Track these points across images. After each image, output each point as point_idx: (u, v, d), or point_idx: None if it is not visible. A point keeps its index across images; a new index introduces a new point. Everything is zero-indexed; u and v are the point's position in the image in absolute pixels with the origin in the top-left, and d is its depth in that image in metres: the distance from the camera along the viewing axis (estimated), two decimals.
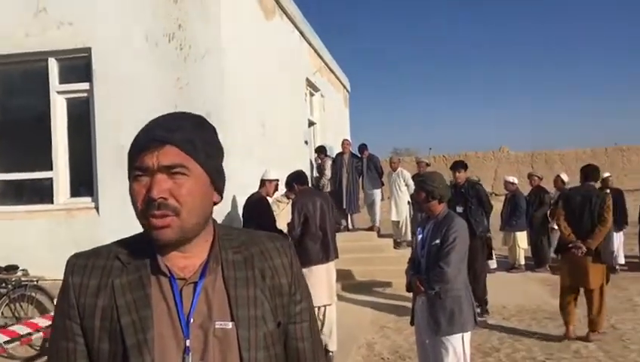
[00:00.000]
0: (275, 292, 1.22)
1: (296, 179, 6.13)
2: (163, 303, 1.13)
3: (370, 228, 11.15)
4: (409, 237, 10.88)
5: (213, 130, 1.23)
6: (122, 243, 1.22)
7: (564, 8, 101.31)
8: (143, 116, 5.31)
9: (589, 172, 6.35)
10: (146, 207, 1.11)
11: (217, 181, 1.19)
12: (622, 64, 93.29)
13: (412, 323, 4.07)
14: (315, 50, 11.47)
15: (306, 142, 10.34)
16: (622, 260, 10.09)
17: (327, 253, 5.93)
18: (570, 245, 5.89)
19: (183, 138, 1.13)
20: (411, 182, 10.53)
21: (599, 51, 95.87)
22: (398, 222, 10.89)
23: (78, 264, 1.19)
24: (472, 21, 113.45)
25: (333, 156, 11.15)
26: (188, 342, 1.11)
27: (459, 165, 7.65)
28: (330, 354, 5.72)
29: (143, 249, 1.17)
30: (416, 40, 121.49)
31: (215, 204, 1.21)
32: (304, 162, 9.88)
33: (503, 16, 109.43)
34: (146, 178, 1.12)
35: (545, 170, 18.25)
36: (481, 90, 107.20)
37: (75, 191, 6.75)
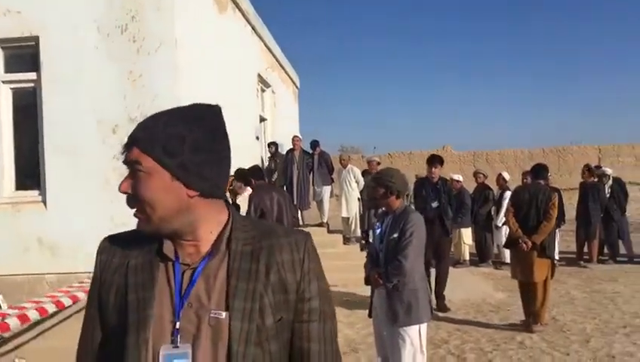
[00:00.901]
0: (278, 288, 1.21)
1: (252, 173, 6.14)
2: (166, 286, 1.20)
3: (320, 224, 11.23)
4: (358, 233, 11.04)
5: (207, 125, 1.19)
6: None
7: (506, 6, 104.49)
8: (92, 108, 5.24)
9: (538, 170, 6.63)
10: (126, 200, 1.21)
11: (184, 176, 1.15)
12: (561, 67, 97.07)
13: (370, 315, 4.17)
14: (267, 46, 11.46)
15: (258, 138, 10.32)
16: (556, 256, 10.52)
17: None
18: (519, 240, 6.14)
19: (144, 137, 1.17)
20: (361, 179, 10.69)
21: (539, 54, 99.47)
22: (348, 218, 11.02)
23: (106, 244, 1.32)
24: (419, 17, 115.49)
25: (284, 152, 11.17)
26: (177, 325, 1.15)
27: (435, 160, 7.42)
28: None
29: (153, 237, 1.24)
30: (361, 39, 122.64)
31: (191, 197, 1.18)
32: (256, 158, 9.87)
33: (449, 13, 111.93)
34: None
35: (486, 169, 18.82)
36: (426, 89, 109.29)
37: (21, 185, 6.53)
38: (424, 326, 3.91)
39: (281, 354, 1.22)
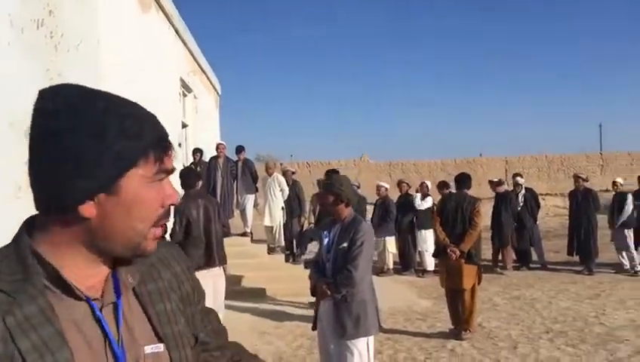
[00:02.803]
0: (185, 304, 1.09)
1: (180, 178, 5.86)
2: (80, 336, 0.89)
3: (243, 234, 10.97)
4: (282, 242, 10.89)
5: None
6: None
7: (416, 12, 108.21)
8: (3, 108, 4.72)
9: (463, 180, 6.78)
10: (163, 215, 0.96)
11: None
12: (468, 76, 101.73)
13: (314, 328, 4.02)
14: (189, 50, 11.11)
15: (180, 145, 9.95)
16: None
17: (210, 258, 5.72)
18: (447, 248, 6.23)
19: None
20: (286, 188, 10.54)
21: (450, 66, 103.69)
22: (272, 227, 10.84)
23: None
24: (338, 29, 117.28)
25: (206, 159, 10.84)
26: None
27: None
28: None
29: (27, 270, 0.88)
30: (279, 47, 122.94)
31: None
32: (178, 164, 9.49)
33: (366, 24, 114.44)
34: (162, 181, 0.96)
35: (401, 178, 19.29)
36: (343, 98, 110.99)
37: None
38: (372, 339, 3.83)
39: None
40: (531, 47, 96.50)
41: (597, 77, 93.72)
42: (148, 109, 0.97)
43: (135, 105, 0.95)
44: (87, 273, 0.94)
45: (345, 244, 3.77)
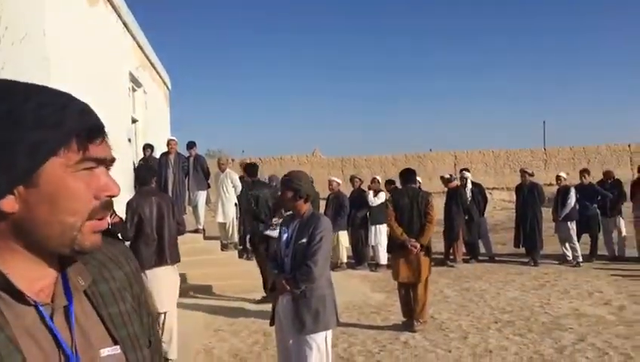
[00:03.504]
0: (137, 304, 1.07)
1: (135, 175, 5.76)
2: (32, 343, 0.86)
3: (196, 231, 10.84)
4: (236, 238, 10.83)
5: None
6: None
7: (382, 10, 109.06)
8: None
9: (409, 175, 6.92)
10: (100, 207, 0.91)
11: None
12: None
13: (272, 323, 4.03)
14: (138, 44, 10.88)
15: (130, 140, 9.75)
16: None
17: (162, 256, 5.63)
18: (406, 243, 6.34)
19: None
20: (239, 184, 10.48)
21: (398, 62, 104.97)
22: (225, 223, 10.77)
23: None
24: (289, 23, 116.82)
25: (157, 155, 10.66)
26: None
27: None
28: None
29: None
30: (229, 42, 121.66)
31: None
32: (128, 161, 9.30)
33: (319, 17, 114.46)
34: (92, 171, 0.90)
35: (354, 173, 19.44)
36: (294, 93, 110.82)
37: None
38: (330, 333, 3.87)
39: None
40: (480, 42, 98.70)
41: (540, 73, 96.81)
42: (80, 99, 0.93)
43: (61, 94, 0.91)
44: (33, 276, 0.90)
45: (304, 240, 3.79)
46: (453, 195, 11.21)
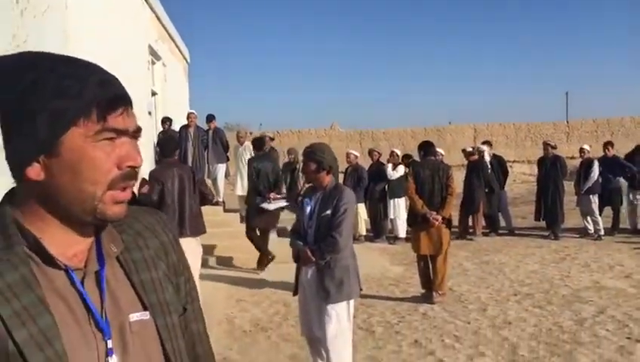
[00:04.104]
0: (171, 273, 1.09)
1: (159, 147, 5.83)
2: (62, 304, 0.90)
3: (216, 203, 10.93)
4: None
5: None
6: None
7: None
8: None
9: (427, 148, 6.89)
10: (120, 177, 0.92)
11: None
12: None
13: (295, 293, 4.11)
14: (157, 16, 10.85)
15: (150, 113, 9.80)
16: None
17: (182, 228, 5.69)
18: (427, 216, 6.35)
19: (131, 99, 0.97)
20: None
21: (416, 37, 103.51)
22: (244, 196, 10.82)
23: None
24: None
25: (175, 128, 10.72)
26: (110, 343, 0.93)
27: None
28: None
29: (8, 239, 0.90)
30: (251, 15, 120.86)
31: None
32: (148, 134, 9.37)
33: None
34: (114, 141, 0.92)
35: (372, 147, 19.38)
36: (313, 67, 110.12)
37: None
38: (352, 302, 3.94)
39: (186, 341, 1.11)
40: (498, 14, 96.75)
41: (563, 44, 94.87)
42: (108, 70, 0.95)
43: (86, 65, 0.93)
44: (67, 241, 0.94)
45: (328, 212, 3.83)
46: (474, 168, 11.14)
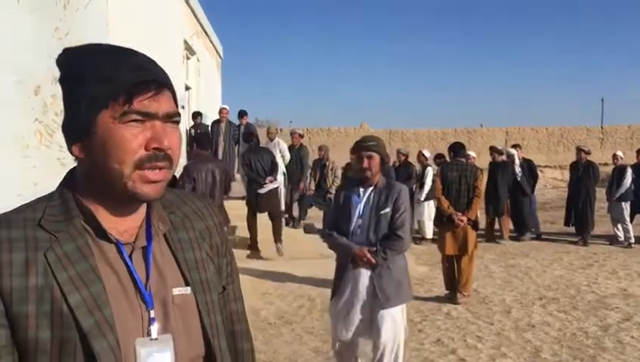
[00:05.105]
0: (214, 253, 1.18)
1: (198, 141, 6.02)
2: (112, 275, 1.00)
3: (244, 198, 11.07)
4: (283, 207, 11.01)
5: None
6: (34, 208, 1.01)
7: None
8: (12, 68, 4.72)
9: (458, 149, 6.89)
10: (146, 158, 0.98)
11: None
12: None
13: (333, 296, 3.82)
14: (193, 12, 11.05)
15: (183, 107, 9.99)
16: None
17: None
18: (452, 217, 6.38)
19: (170, 83, 1.04)
20: (287, 153, 10.62)
21: (452, 42, 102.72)
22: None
23: None
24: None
25: (207, 123, 10.91)
26: (152, 313, 1.01)
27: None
28: None
29: (68, 213, 1.00)
30: (286, 15, 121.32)
31: None
32: (182, 127, 9.57)
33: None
34: (144, 124, 0.97)
35: (399, 148, 19.34)
36: (345, 67, 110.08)
37: None
38: (405, 306, 3.78)
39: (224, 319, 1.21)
40: (534, 20, 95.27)
41: (599, 50, 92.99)
42: (145, 56, 1.02)
43: (123, 52, 1.02)
44: (118, 218, 1.04)
45: (387, 209, 3.62)
46: (498, 170, 10.99)
